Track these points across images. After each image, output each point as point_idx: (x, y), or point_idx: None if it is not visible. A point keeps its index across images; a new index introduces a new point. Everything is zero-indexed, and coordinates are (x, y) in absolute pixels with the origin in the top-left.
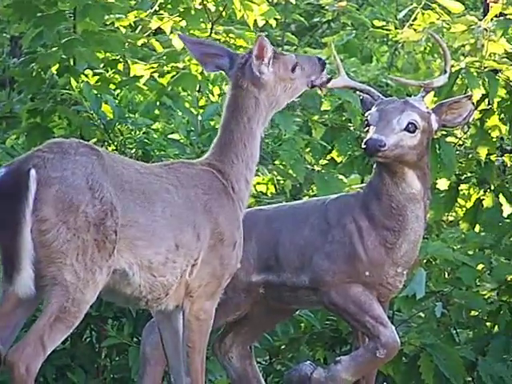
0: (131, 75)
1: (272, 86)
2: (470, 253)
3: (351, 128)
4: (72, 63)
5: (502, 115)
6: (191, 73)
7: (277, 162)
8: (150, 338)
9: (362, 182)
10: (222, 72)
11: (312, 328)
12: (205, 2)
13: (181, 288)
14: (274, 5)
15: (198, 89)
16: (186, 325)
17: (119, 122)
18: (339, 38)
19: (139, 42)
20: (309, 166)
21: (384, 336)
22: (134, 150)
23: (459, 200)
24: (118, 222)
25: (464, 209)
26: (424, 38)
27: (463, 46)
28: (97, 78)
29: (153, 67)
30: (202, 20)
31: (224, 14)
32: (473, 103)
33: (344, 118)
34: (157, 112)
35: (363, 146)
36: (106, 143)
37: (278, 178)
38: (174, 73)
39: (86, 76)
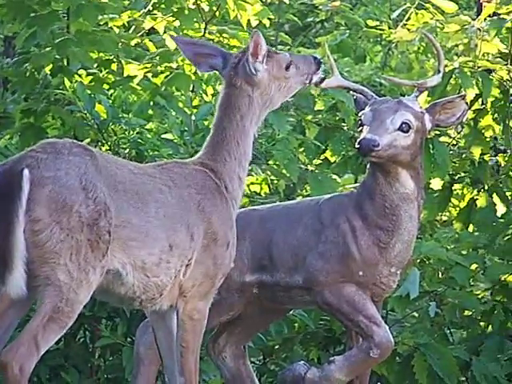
0: (125, 75)
1: (266, 84)
2: (464, 252)
3: (345, 128)
4: (65, 63)
5: (496, 115)
6: (185, 73)
7: (270, 162)
8: (143, 338)
9: (355, 182)
10: (216, 72)
11: (306, 328)
12: (198, 2)
13: (175, 288)
14: (267, 4)
15: (191, 89)
16: (179, 325)
17: (113, 122)
18: (333, 37)
19: (133, 42)
20: (302, 166)
21: (378, 336)
22: (128, 150)
23: (453, 200)
24: (111, 222)
25: (458, 209)
26: (417, 37)
27: (457, 45)
28: (90, 78)
29: (146, 67)
30: (195, 20)
31: (217, 13)
32: (466, 103)
33: (338, 118)
34: (150, 112)
35: (357, 146)
36: (99, 143)
37: (272, 177)
38: (168, 73)
39: (80, 76)
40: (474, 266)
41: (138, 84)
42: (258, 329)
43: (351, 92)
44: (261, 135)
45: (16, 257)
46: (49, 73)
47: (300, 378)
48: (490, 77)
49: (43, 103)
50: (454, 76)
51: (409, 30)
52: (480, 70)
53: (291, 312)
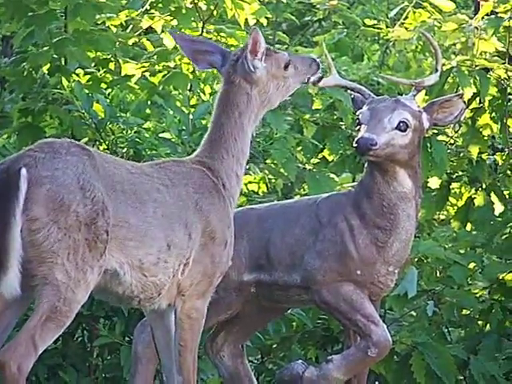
0: (122, 74)
1: (264, 82)
2: (462, 251)
3: (342, 127)
4: (63, 62)
5: (494, 114)
6: (182, 72)
7: (268, 161)
8: (141, 337)
9: (353, 181)
10: (214, 71)
11: (304, 327)
12: (196, 1)
13: (173, 287)
14: (265, 4)
15: (189, 88)
16: (177, 323)
17: (110, 122)
18: (330, 36)
19: (130, 41)
20: (300, 165)
21: (375, 335)
22: (126, 149)
23: (451, 199)
24: (109, 222)
25: (455, 207)
26: (415, 36)
27: (454, 44)
28: (88, 77)
29: (144, 66)
30: (193, 19)
31: (215, 12)
32: (464, 102)
33: (335, 117)
34: (148, 111)
35: (354, 145)
36: (97, 142)
37: (270, 176)
38: (166, 72)
39: (78, 75)
40: (471, 265)
41: (135, 83)
42: (255, 328)
43: (349, 91)
44: (258, 134)
45: (12, 256)
46: (46, 72)
47: (298, 377)
48: (488, 75)
49: (41, 102)
50: (451, 75)
51: (406, 28)
52: (478, 68)
53: (289, 311)
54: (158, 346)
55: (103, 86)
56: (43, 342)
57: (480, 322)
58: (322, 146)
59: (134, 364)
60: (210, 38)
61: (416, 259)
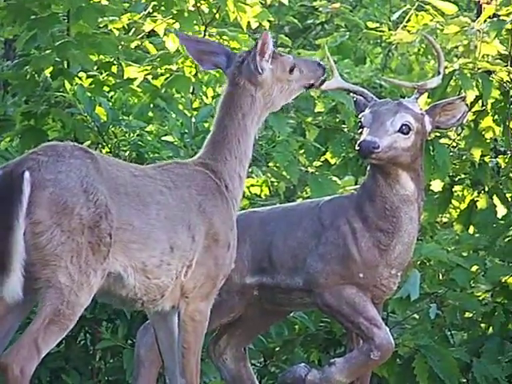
0: (125, 77)
1: (269, 85)
2: (464, 254)
3: (345, 130)
4: (66, 66)
5: (496, 116)
6: (185, 75)
7: (271, 164)
8: (144, 340)
9: (355, 184)
10: (216, 74)
11: (306, 330)
12: (198, 4)
13: (176, 289)
14: (267, 7)
15: (191, 91)
16: (181, 326)
17: (113, 125)
18: (333, 39)
19: (133, 45)
20: (303, 168)
21: (378, 338)
22: (128, 152)
23: (453, 201)
24: (112, 224)
25: (458, 210)
26: (417, 39)
27: (456, 47)
28: (90, 80)
29: (146, 69)
30: (195, 22)
31: (217, 16)
32: (466, 104)
33: (338, 120)
34: (150, 114)
35: (357, 148)
36: (99, 145)
37: (272, 179)
38: (168, 75)
39: (80, 78)
40: (474, 268)
41: (138, 86)
42: (258, 331)
43: (351, 94)
44: (261, 137)
45: (15, 260)
46: (49, 75)
47: (301, 380)
48: (490, 78)
49: (43, 106)
50: (454, 77)
51: (409, 31)
52: (480, 71)
53: (292, 314)
54: (161, 348)
55: (106, 89)
56: (46, 345)
57: (483, 325)
58: (324, 149)
59: (136, 367)
60: None
61: (418, 262)
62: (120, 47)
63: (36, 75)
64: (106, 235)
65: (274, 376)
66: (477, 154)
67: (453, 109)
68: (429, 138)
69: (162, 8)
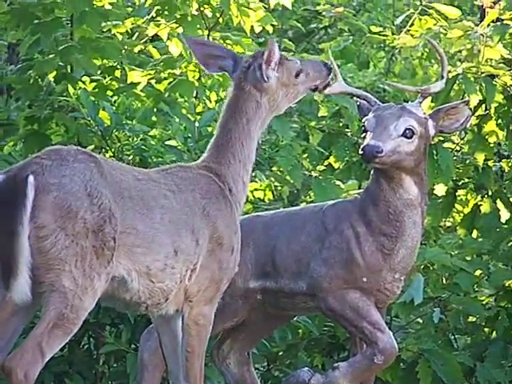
0: (128, 82)
1: (274, 90)
2: (468, 258)
3: (348, 134)
4: (69, 70)
5: (499, 121)
6: (188, 79)
7: (274, 169)
8: (147, 344)
9: (359, 188)
10: (219, 78)
11: (310, 334)
12: (201, 9)
13: (180, 293)
14: (270, 11)
15: (195, 95)
16: (185, 329)
17: (116, 129)
18: (336, 43)
19: (136, 49)
20: (306, 172)
21: (382, 342)
22: (132, 156)
23: (457, 206)
24: (116, 228)
25: (461, 214)
26: (421, 43)
27: (460, 51)
28: (94, 84)
29: (150, 74)
30: (198, 26)
31: (221, 20)
32: (470, 109)
33: (341, 124)
34: (154, 118)
35: (360, 152)
36: (103, 150)
37: (276, 184)
38: (171, 79)
39: (84, 83)
40: (478, 272)
41: (141, 90)
42: (262, 335)
43: (355, 98)
44: (264, 141)
45: (21, 263)
46: (52, 80)
47: None
48: (494, 82)
49: (47, 110)
50: (457, 82)
51: (412, 35)
52: (483, 75)
53: (295, 318)
54: (165, 352)
55: (109, 93)
56: (50, 349)
57: (486, 329)
58: (327, 153)
59: (140, 371)
60: None
61: (422, 266)
62: (123, 51)
63: (39, 79)
64: (110, 239)
65: (278, 380)
66: (480, 158)
67: (456, 113)
68: (432, 143)
69: (166, 12)
